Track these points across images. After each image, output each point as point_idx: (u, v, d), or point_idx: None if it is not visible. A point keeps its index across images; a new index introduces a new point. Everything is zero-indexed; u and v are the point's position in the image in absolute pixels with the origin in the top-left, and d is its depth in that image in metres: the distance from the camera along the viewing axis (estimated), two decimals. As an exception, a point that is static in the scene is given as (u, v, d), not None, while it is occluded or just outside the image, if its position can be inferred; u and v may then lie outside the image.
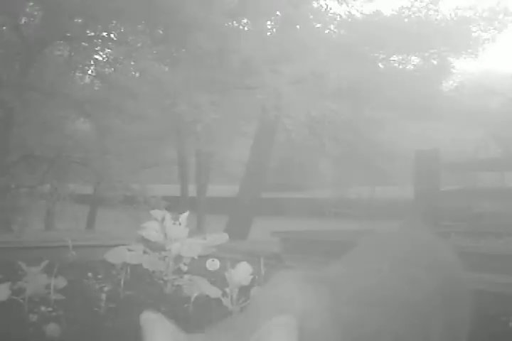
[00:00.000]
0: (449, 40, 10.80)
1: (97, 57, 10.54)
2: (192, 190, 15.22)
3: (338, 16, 11.04)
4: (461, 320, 1.60)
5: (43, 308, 2.49)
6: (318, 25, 10.80)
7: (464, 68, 13.04)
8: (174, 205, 9.34)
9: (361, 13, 11.22)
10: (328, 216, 15.93)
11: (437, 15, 11.19)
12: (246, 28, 9.99)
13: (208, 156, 14.21)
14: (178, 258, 2.96)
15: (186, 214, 3.02)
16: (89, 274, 3.05)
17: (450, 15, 11.09)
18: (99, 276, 3.11)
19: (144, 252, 2.95)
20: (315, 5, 10.79)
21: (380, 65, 11.68)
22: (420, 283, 1.52)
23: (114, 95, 8.91)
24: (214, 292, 2.56)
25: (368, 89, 9.78)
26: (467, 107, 11.15)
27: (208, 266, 2.95)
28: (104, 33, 9.91)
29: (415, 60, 11.80)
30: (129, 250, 2.95)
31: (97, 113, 9.24)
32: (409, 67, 11.86)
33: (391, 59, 11.76)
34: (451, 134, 14.54)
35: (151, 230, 2.95)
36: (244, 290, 2.50)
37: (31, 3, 9.63)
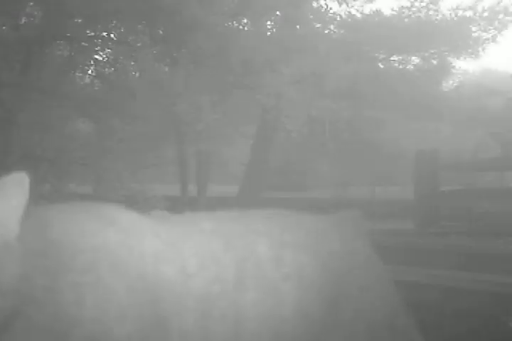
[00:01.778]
0: (449, 40, 10.79)
1: (97, 57, 10.53)
2: (192, 190, 15.20)
3: (338, 16, 11.04)
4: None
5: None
6: (318, 25, 10.79)
7: (464, 68, 13.03)
8: (174, 205, 9.33)
9: (361, 13, 11.22)
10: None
11: (437, 15, 11.17)
12: (246, 28, 9.98)
13: (208, 156, 14.20)
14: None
15: (186, 214, 3.02)
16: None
17: (450, 15, 11.07)
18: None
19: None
20: (315, 5, 10.79)
21: (380, 65, 11.66)
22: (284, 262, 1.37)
23: (114, 95, 8.91)
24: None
25: (367, 89, 9.77)
26: (467, 107, 11.12)
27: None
28: (104, 33, 9.91)
29: (415, 60, 11.79)
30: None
31: (97, 113, 9.23)
32: (409, 67, 11.84)
33: (391, 59, 11.74)
34: (451, 134, 14.53)
35: (151, 230, 2.95)
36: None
37: (31, 3, 9.63)
